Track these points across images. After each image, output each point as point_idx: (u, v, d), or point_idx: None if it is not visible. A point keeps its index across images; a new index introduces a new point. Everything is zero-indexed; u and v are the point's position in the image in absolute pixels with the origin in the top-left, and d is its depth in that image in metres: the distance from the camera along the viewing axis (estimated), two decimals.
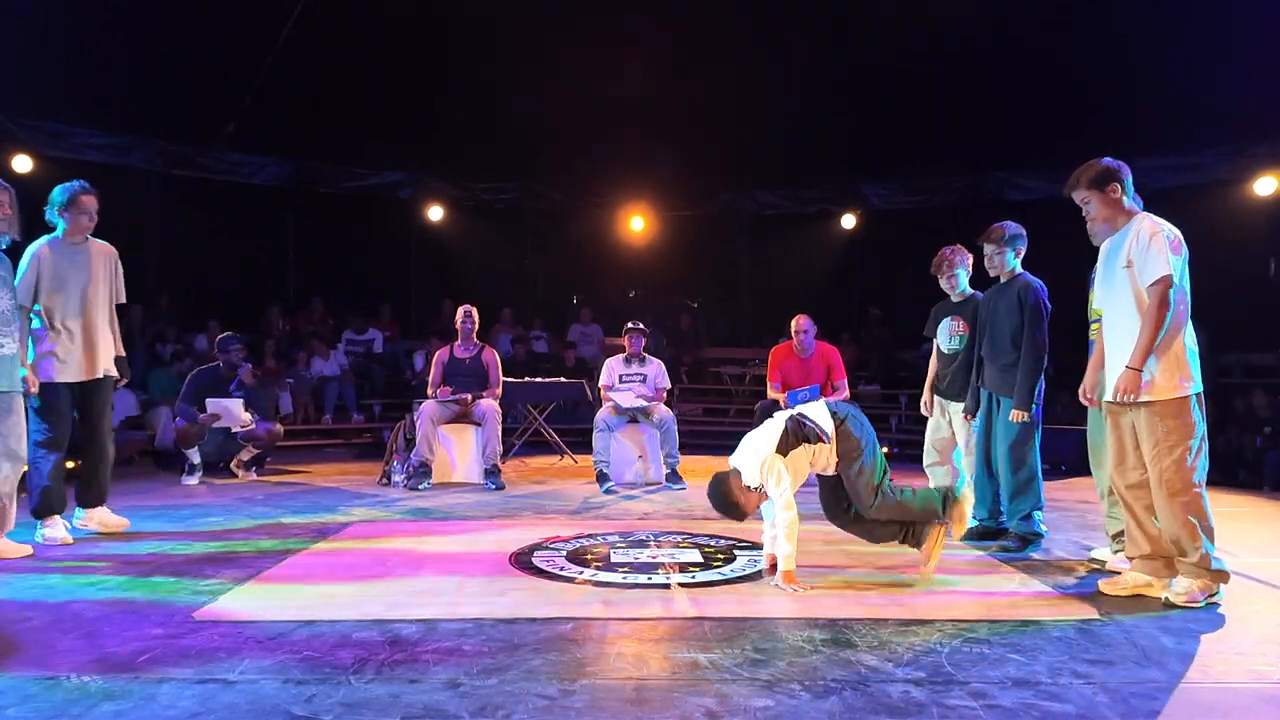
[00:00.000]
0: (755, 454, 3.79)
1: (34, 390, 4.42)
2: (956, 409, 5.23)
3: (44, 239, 4.68)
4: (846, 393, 6.88)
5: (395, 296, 12.33)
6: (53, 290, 4.63)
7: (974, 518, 5.01)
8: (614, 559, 4.29)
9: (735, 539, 4.74)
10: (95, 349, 4.74)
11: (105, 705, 2.44)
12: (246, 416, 7.24)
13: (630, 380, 7.27)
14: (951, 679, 2.68)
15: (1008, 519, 4.77)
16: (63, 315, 4.65)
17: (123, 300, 5.01)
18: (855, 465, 3.84)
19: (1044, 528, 4.73)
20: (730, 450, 3.98)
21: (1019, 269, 4.80)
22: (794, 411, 3.96)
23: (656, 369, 7.35)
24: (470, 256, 12.08)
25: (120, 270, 4.96)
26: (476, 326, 7.39)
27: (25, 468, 4.49)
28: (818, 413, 3.91)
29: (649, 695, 2.55)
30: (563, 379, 9.45)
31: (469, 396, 7.05)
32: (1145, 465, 3.57)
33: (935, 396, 5.47)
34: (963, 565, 4.29)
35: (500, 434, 7.13)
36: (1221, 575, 3.49)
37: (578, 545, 4.62)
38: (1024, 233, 4.79)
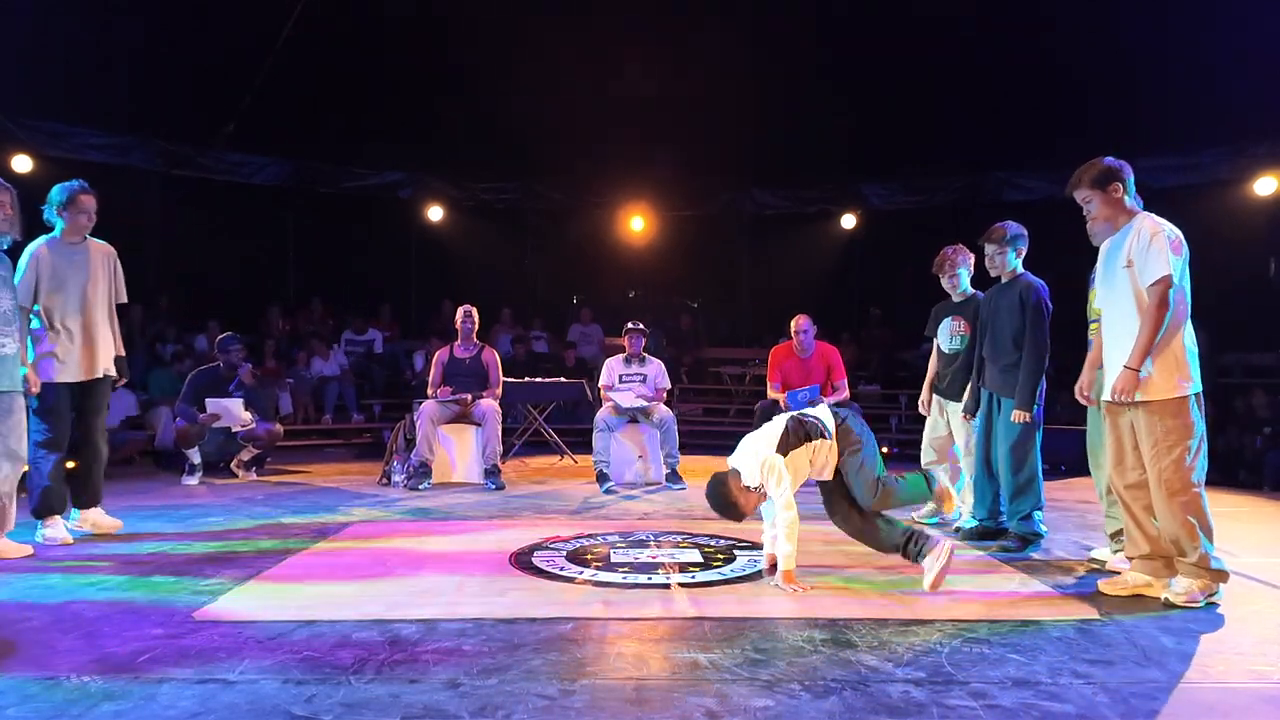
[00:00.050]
0: (755, 454, 3.79)
1: (35, 390, 4.42)
2: (955, 408, 5.24)
3: (42, 239, 4.67)
4: (846, 393, 6.88)
5: (395, 296, 12.33)
6: (52, 290, 4.62)
7: (974, 517, 5.03)
8: (614, 559, 4.29)
9: (735, 539, 4.74)
10: (95, 349, 4.74)
11: (105, 705, 2.44)
12: (246, 416, 7.24)
13: (630, 380, 7.27)
14: (951, 679, 2.68)
15: (1008, 519, 4.78)
16: (62, 315, 4.64)
17: (124, 300, 5.00)
18: (857, 460, 3.83)
19: (1044, 528, 4.73)
20: (730, 450, 3.98)
21: (1020, 269, 4.80)
22: (794, 414, 3.97)
23: (656, 369, 7.35)
24: (470, 256, 12.08)
25: (120, 270, 4.95)
26: (476, 326, 7.39)
27: (26, 468, 4.49)
28: (819, 411, 3.93)
29: (649, 695, 2.55)
30: (563, 379, 9.45)
31: (469, 396, 7.05)
32: (1144, 465, 3.58)
33: (934, 396, 5.49)
34: (963, 565, 4.29)
35: (500, 434, 7.13)
36: (1221, 575, 3.49)
37: (578, 545, 4.62)
38: (1025, 233, 4.80)
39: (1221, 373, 9.43)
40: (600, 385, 7.43)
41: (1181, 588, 3.49)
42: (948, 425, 5.38)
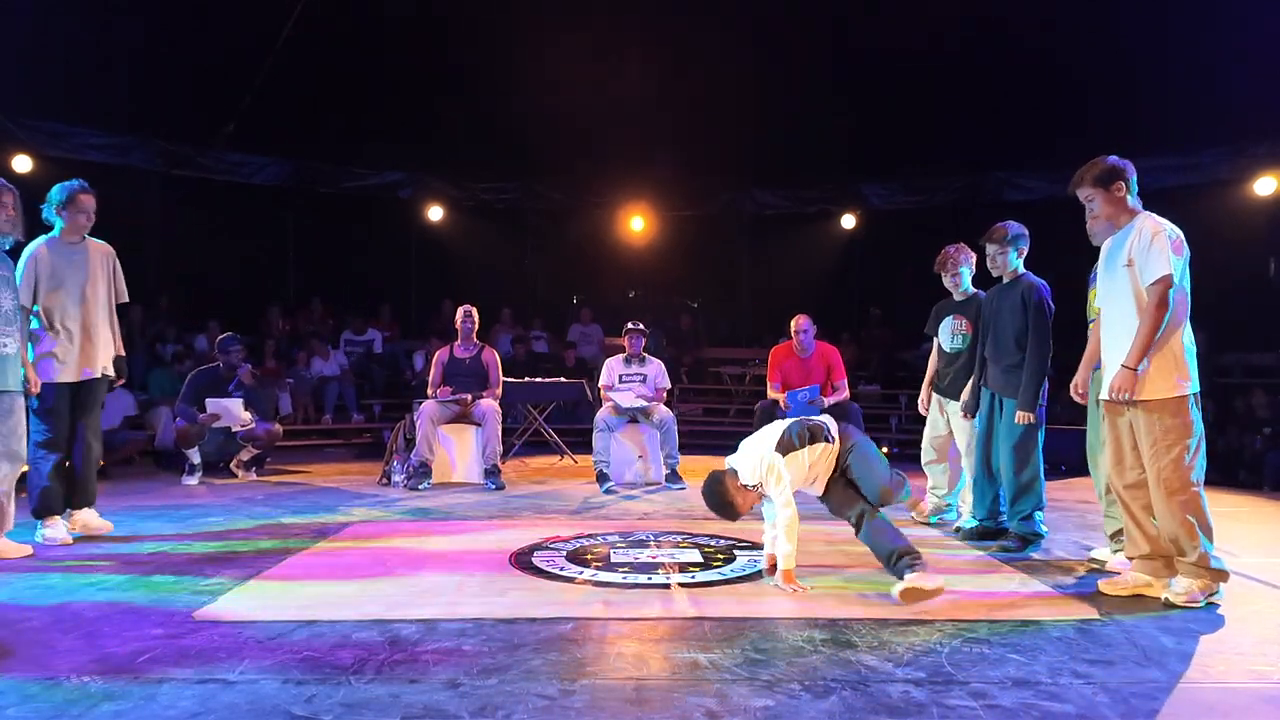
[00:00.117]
0: (754, 454, 3.79)
1: (35, 390, 4.42)
2: (955, 407, 5.24)
3: (41, 239, 4.66)
4: (846, 393, 6.88)
5: (395, 296, 12.33)
6: (50, 290, 4.62)
7: (974, 517, 5.03)
8: (614, 559, 4.29)
9: (735, 539, 4.74)
10: (94, 349, 4.73)
11: (105, 705, 2.44)
12: (246, 416, 7.24)
13: (630, 380, 7.27)
14: (951, 679, 2.68)
15: (1008, 519, 4.78)
16: (61, 315, 4.64)
17: (124, 300, 4.98)
18: (861, 453, 3.83)
19: (1044, 528, 4.73)
20: (730, 451, 3.98)
21: (1022, 269, 4.80)
22: (798, 418, 3.96)
23: (656, 369, 7.35)
24: (470, 256, 12.08)
25: (119, 270, 4.94)
26: (476, 326, 7.39)
27: (25, 468, 4.49)
28: (823, 418, 3.93)
29: (649, 695, 2.55)
30: (563, 379, 9.45)
31: (469, 396, 7.05)
32: (1143, 465, 3.58)
33: (934, 395, 5.48)
34: (963, 565, 4.30)
35: (500, 434, 7.13)
36: (1221, 574, 3.49)
37: (578, 545, 4.62)
38: (1026, 232, 4.80)
39: (1221, 373, 9.43)
40: (600, 385, 7.43)
41: (1181, 588, 3.49)
42: (948, 424, 5.38)
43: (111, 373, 4.90)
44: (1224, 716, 2.46)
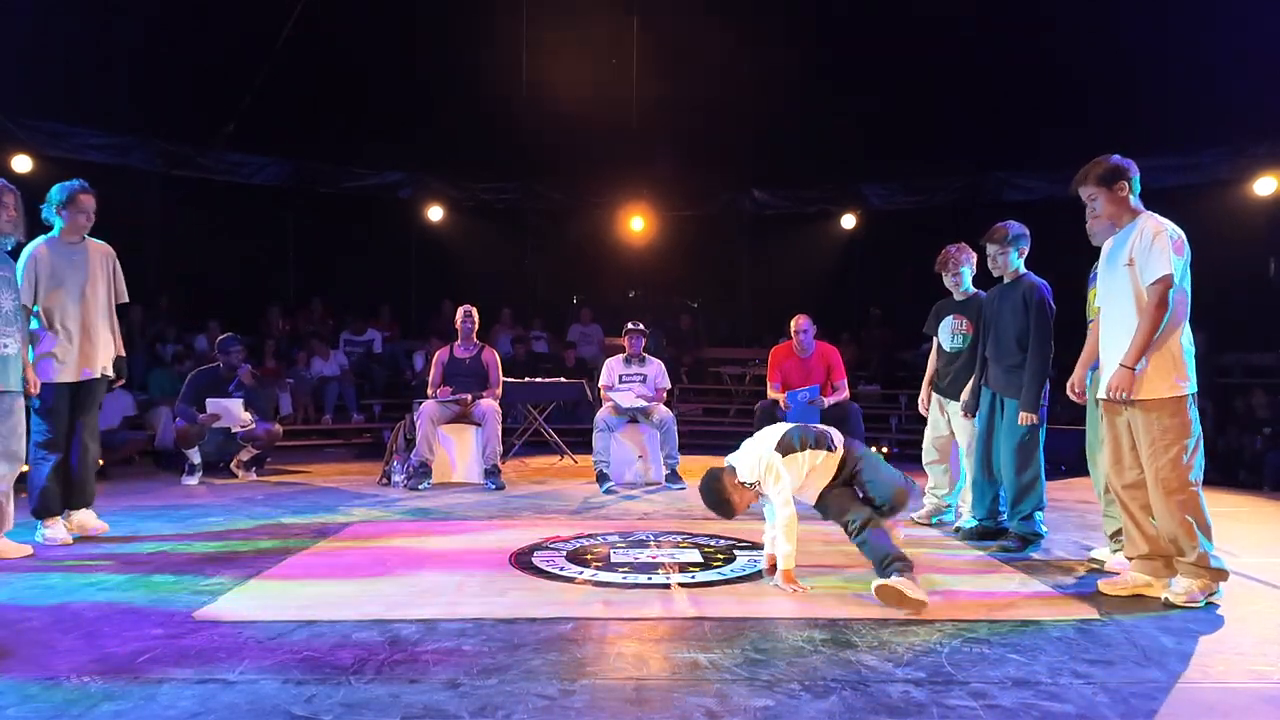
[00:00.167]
0: (754, 453, 3.79)
1: (34, 391, 4.41)
2: (956, 408, 5.23)
3: (41, 239, 4.66)
4: (846, 393, 6.87)
5: (395, 296, 12.33)
6: (50, 290, 4.61)
7: (974, 517, 5.03)
8: (614, 559, 4.29)
9: (735, 539, 4.75)
10: (93, 349, 4.73)
11: (105, 705, 2.44)
12: (246, 416, 7.24)
13: (630, 380, 7.27)
14: (951, 679, 2.68)
15: (1009, 519, 4.77)
16: (61, 315, 4.63)
17: (124, 300, 4.98)
18: (871, 461, 3.83)
19: (1044, 528, 4.73)
20: (730, 451, 3.98)
21: (1023, 269, 4.80)
22: (799, 424, 3.96)
23: (656, 369, 7.35)
24: (470, 256, 12.08)
25: (119, 270, 4.94)
26: (476, 326, 7.39)
27: (25, 468, 4.49)
28: (828, 427, 3.93)
29: (649, 695, 2.55)
30: (563, 379, 9.45)
31: (469, 396, 7.05)
32: (1142, 465, 3.58)
33: (934, 395, 5.47)
34: (963, 565, 4.30)
35: (500, 434, 7.13)
36: (1221, 574, 3.49)
37: (578, 545, 4.62)
38: (1027, 232, 4.79)
39: (1221, 373, 9.42)
40: (600, 385, 7.43)
41: (1181, 588, 3.49)
42: (949, 425, 5.38)
43: (111, 373, 4.89)
44: (1224, 716, 2.46)
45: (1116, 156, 3.66)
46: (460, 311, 7.35)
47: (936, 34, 9.91)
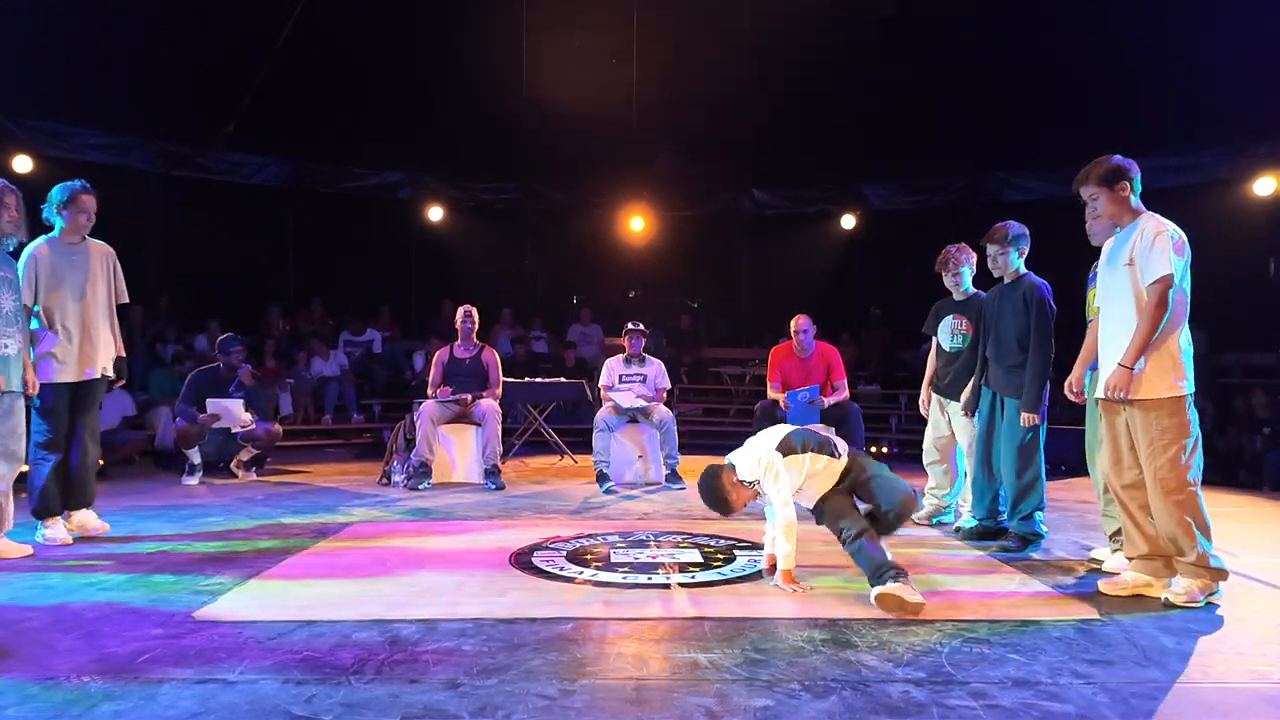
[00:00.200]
0: (754, 451, 3.79)
1: (33, 391, 4.41)
2: (956, 408, 5.23)
3: (42, 239, 4.66)
4: (846, 393, 6.87)
5: (395, 297, 12.32)
6: (50, 289, 4.62)
7: (973, 517, 5.03)
8: (614, 559, 4.29)
9: (735, 539, 4.75)
10: (93, 349, 4.72)
11: (105, 705, 2.44)
12: (247, 417, 7.24)
13: (630, 380, 7.27)
14: (951, 679, 2.68)
15: (1009, 519, 4.77)
16: (61, 315, 4.63)
17: (125, 300, 4.97)
18: (878, 468, 3.84)
19: (1044, 528, 4.73)
20: (730, 451, 3.98)
21: (1023, 269, 4.80)
22: (802, 428, 3.96)
23: (656, 369, 7.35)
24: (470, 256, 12.07)
25: (119, 270, 4.94)
26: (476, 326, 7.39)
27: (25, 468, 4.49)
28: (832, 435, 3.93)
29: (649, 695, 2.55)
30: (563, 379, 9.44)
31: (469, 397, 7.05)
32: (1141, 465, 3.58)
33: (934, 395, 5.47)
34: (963, 565, 4.30)
35: (500, 434, 7.13)
36: (1220, 573, 3.49)
37: (578, 545, 4.62)
38: (1027, 232, 4.79)
39: (1221, 373, 9.43)
40: (600, 385, 7.43)
41: (1181, 588, 3.49)
42: (949, 425, 5.37)
43: (112, 373, 4.89)
44: (1224, 716, 2.46)
45: (1118, 157, 3.66)
46: (460, 311, 7.35)
47: (936, 34, 9.90)
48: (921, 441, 5.70)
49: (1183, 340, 3.53)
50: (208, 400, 7.14)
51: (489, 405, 7.02)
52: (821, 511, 3.77)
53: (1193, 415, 3.51)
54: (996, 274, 4.87)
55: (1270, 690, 2.65)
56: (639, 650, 2.95)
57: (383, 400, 10.47)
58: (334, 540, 4.75)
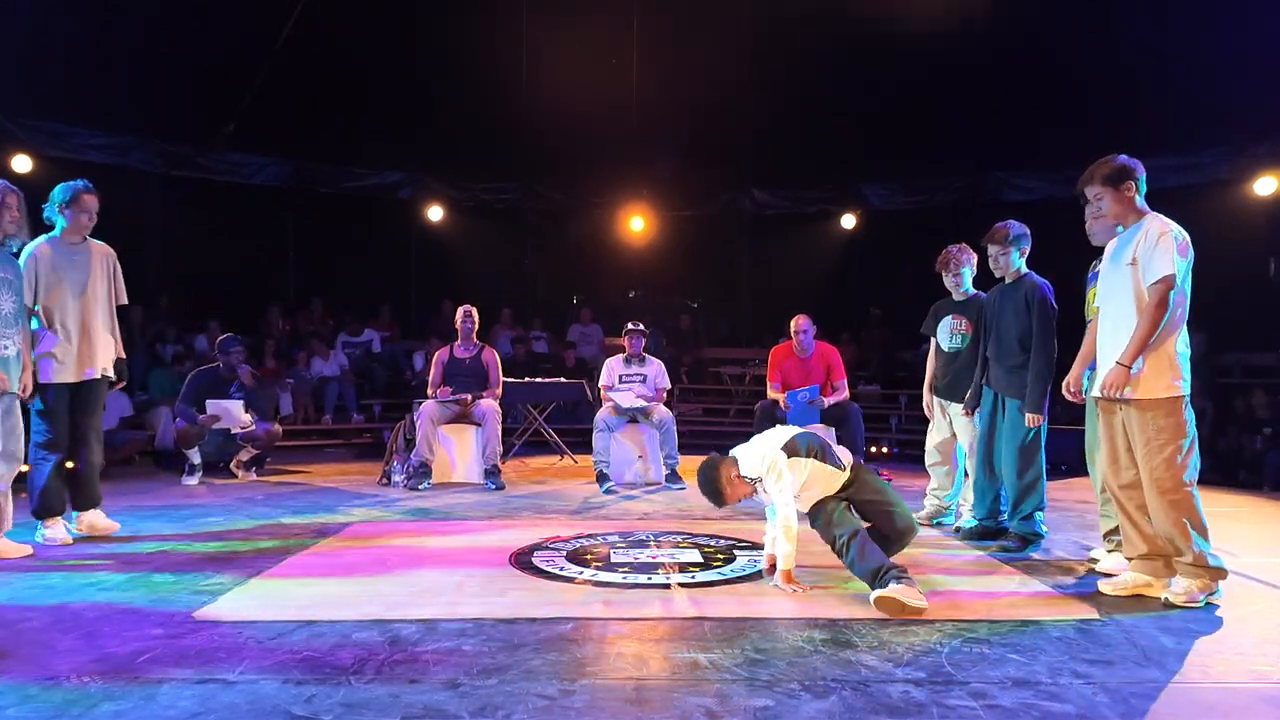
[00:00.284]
0: (758, 449, 3.79)
1: (26, 394, 4.39)
2: (957, 409, 5.23)
3: (43, 238, 4.67)
4: (846, 393, 6.88)
5: (395, 297, 12.32)
6: (50, 288, 4.62)
7: (974, 517, 5.03)
8: (614, 559, 4.29)
9: (735, 539, 4.75)
10: (92, 349, 4.72)
11: (105, 706, 2.44)
12: (247, 418, 7.24)
13: (630, 380, 7.27)
14: (951, 679, 2.68)
15: (1009, 519, 4.77)
16: (61, 315, 4.63)
17: (124, 301, 4.98)
18: (879, 490, 3.86)
19: (1044, 528, 4.73)
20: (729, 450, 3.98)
21: (1024, 269, 4.80)
22: (809, 432, 3.96)
23: (656, 369, 7.35)
24: (470, 256, 12.07)
25: (119, 271, 4.94)
26: (476, 326, 7.39)
27: (25, 468, 4.49)
28: (839, 449, 3.93)
29: (649, 695, 2.55)
30: (563, 379, 9.44)
31: (469, 397, 7.05)
32: (1138, 465, 3.58)
33: (935, 398, 5.46)
34: (963, 565, 4.30)
35: (500, 434, 7.13)
36: (1219, 572, 3.49)
37: (578, 545, 4.62)
38: (1028, 232, 4.79)
39: (1221, 373, 9.42)
40: (600, 385, 7.43)
41: (1181, 588, 3.49)
42: (950, 427, 5.37)
43: (112, 374, 4.89)
44: (1224, 716, 2.46)
45: (1123, 156, 3.65)
46: (460, 311, 7.35)
47: (936, 34, 9.89)
48: (921, 442, 5.70)
49: (1180, 344, 3.53)
50: (208, 401, 7.14)
51: (489, 405, 7.02)
52: (816, 515, 3.75)
53: (1189, 416, 3.51)
54: (998, 274, 4.87)
55: (1270, 690, 2.65)
56: (639, 650, 2.95)
57: (383, 400, 10.47)
58: (334, 540, 4.75)
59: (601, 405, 7.27)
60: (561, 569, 4.08)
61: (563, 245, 13.11)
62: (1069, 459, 7.58)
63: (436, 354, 7.49)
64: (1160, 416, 3.48)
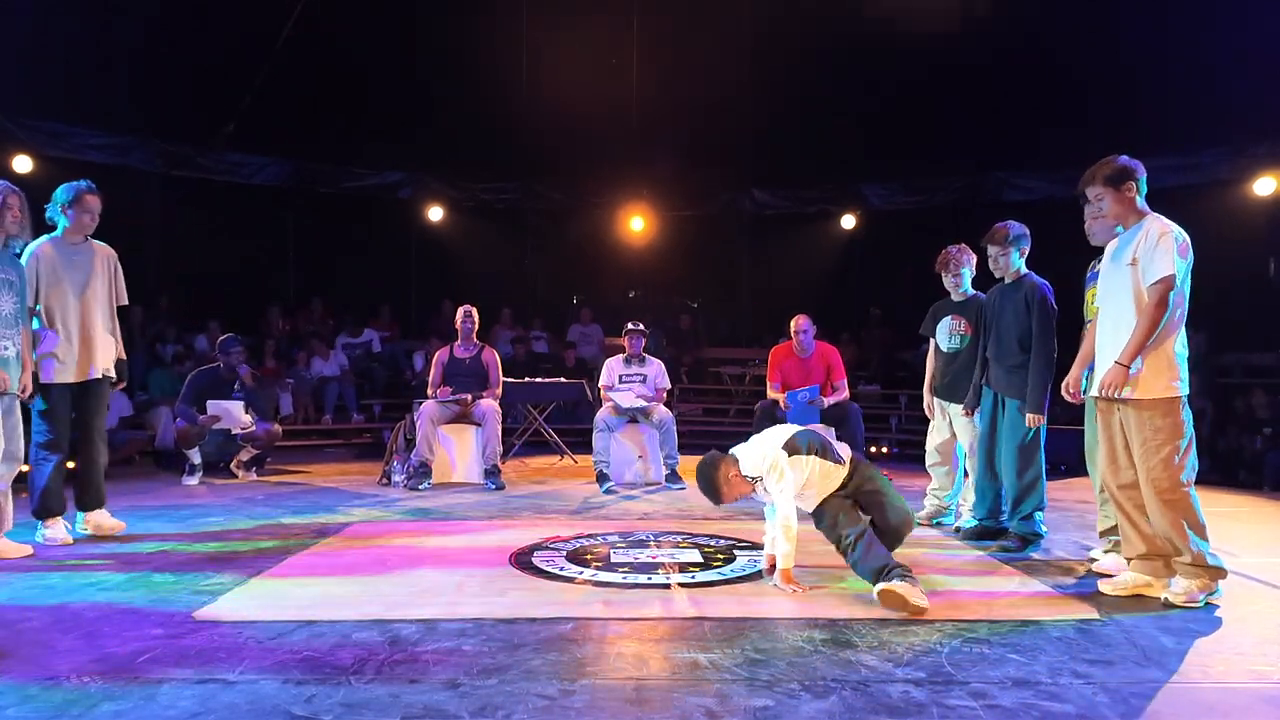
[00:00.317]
0: (759, 449, 3.79)
1: (25, 395, 4.39)
2: (956, 409, 5.23)
3: (45, 237, 4.67)
4: (846, 393, 6.88)
5: (395, 297, 12.32)
6: (50, 288, 4.62)
7: (974, 517, 5.02)
8: (614, 559, 4.29)
9: (735, 539, 4.75)
10: (92, 349, 4.73)
11: (105, 706, 2.44)
12: (247, 419, 7.24)
13: (630, 380, 7.27)
14: (951, 679, 2.68)
15: (1009, 519, 4.77)
16: (61, 314, 4.64)
17: (124, 302, 4.98)
18: (885, 480, 3.87)
19: (1044, 528, 4.73)
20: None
21: (1024, 269, 4.80)
22: (809, 429, 3.97)
23: (656, 369, 7.35)
24: (470, 256, 12.07)
25: (120, 272, 4.95)
26: (476, 326, 7.39)
27: (25, 468, 4.49)
28: (838, 444, 3.93)
29: (649, 695, 2.55)
30: (563, 379, 9.44)
31: (469, 397, 7.05)
32: (1136, 465, 3.59)
33: (934, 399, 5.45)
34: (963, 565, 4.30)
35: (500, 434, 7.13)
36: (1219, 572, 3.50)
37: (578, 545, 4.62)
38: (1028, 232, 4.79)
39: (1221, 373, 9.42)
40: (600, 385, 7.43)
41: (1181, 588, 3.49)
42: (950, 428, 5.36)
43: (113, 374, 4.90)
44: (1224, 716, 2.46)
45: (1124, 157, 3.65)
46: (460, 312, 7.35)
47: (936, 34, 9.89)
48: (922, 442, 5.70)
49: (1178, 345, 3.53)
50: (208, 402, 7.14)
51: (489, 405, 7.02)
52: (821, 515, 3.77)
53: (1187, 416, 3.51)
54: (997, 274, 4.87)
55: (1270, 690, 2.65)
56: (639, 650, 2.95)
57: (383, 400, 10.47)
58: (334, 540, 4.75)
59: (601, 405, 7.27)
60: (561, 569, 4.08)
61: (563, 245, 13.11)
62: (1069, 459, 7.58)
63: (436, 354, 7.50)
64: (1158, 417, 3.48)
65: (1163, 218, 3.59)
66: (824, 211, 12.41)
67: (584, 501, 6.24)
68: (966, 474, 5.31)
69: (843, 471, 3.78)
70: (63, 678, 2.63)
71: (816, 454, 3.74)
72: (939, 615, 3.31)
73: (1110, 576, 3.84)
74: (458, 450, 7.18)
